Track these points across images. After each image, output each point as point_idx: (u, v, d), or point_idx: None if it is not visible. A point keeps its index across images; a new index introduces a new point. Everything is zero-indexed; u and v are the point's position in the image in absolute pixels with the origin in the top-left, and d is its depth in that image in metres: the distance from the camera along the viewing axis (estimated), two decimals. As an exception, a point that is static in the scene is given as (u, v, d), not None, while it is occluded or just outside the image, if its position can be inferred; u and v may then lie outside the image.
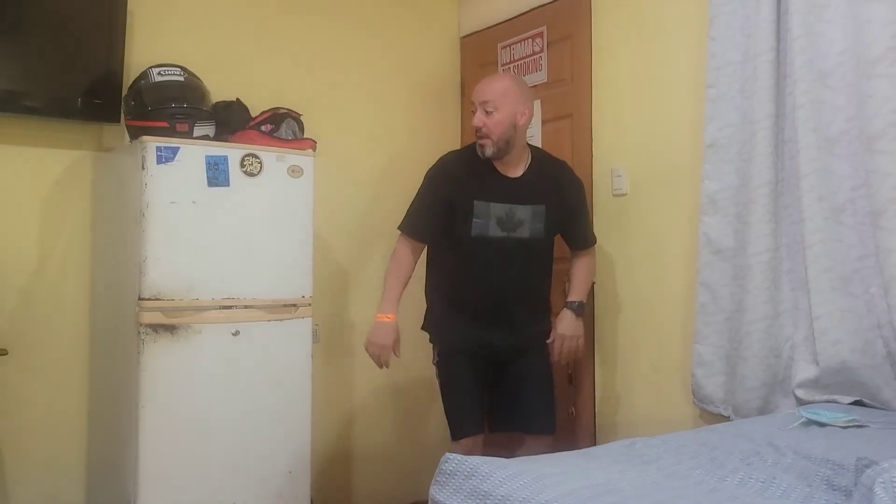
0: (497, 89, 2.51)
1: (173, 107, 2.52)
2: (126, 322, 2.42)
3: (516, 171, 2.59)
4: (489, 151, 2.51)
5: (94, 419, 2.70)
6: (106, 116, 2.69)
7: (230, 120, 2.68)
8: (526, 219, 2.56)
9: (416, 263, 2.64)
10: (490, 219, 2.53)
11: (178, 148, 2.42)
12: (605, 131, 2.97)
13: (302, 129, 2.79)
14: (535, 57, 3.27)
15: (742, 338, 2.36)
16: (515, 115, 2.50)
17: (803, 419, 1.93)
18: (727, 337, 2.43)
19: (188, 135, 2.51)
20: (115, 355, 2.54)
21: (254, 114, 2.75)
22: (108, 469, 2.60)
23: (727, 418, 2.42)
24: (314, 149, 2.74)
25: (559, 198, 2.62)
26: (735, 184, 2.41)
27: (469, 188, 2.54)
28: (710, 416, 2.51)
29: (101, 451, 2.66)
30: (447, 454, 1.62)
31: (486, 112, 2.49)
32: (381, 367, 2.57)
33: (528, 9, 3.31)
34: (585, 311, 2.71)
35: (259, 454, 2.54)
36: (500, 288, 2.57)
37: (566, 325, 2.65)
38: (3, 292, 2.46)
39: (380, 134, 3.40)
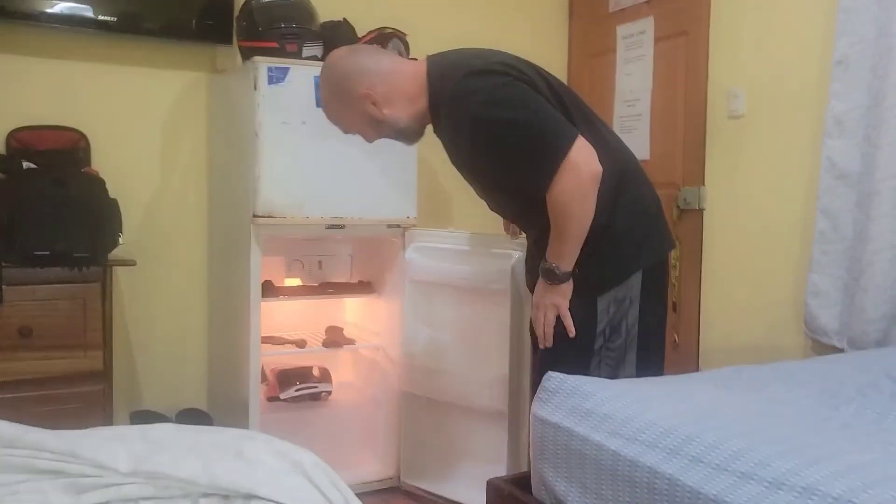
0: (334, 118, 1.93)
1: (283, 27, 2.56)
2: (241, 237, 2.53)
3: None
4: (407, 144, 2.03)
5: (213, 325, 2.89)
6: (219, 38, 2.77)
7: (337, 40, 2.69)
8: None
9: None
10: None
11: (289, 69, 2.46)
12: (722, 49, 2.81)
13: (408, 49, 2.78)
14: (649, -30, 3.11)
15: (864, 268, 2.24)
16: (367, 116, 1.87)
17: (927, 353, 1.84)
18: (846, 266, 2.32)
19: (297, 55, 2.54)
20: (231, 268, 2.68)
21: (360, 34, 2.75)
22: (225, 369, 2.78)
23: (841, 350, 2.33)
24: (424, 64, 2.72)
25: (471, 142, 1.81)
26: (866, 103, 2.25)
27: None
28: (822, 347, 2.42)
29: (219, 353, 2.85)
30: (549, 372, 1.64)
31: (346, 133, 1.97)
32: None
33: (643, -82, 3.13)
34: (563, 274, 1.78)
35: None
36: None
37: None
38: (131, 207, 2.63)
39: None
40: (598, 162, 1.70)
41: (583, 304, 1.82)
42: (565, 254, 1.77)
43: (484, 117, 1.73)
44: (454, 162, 1.93)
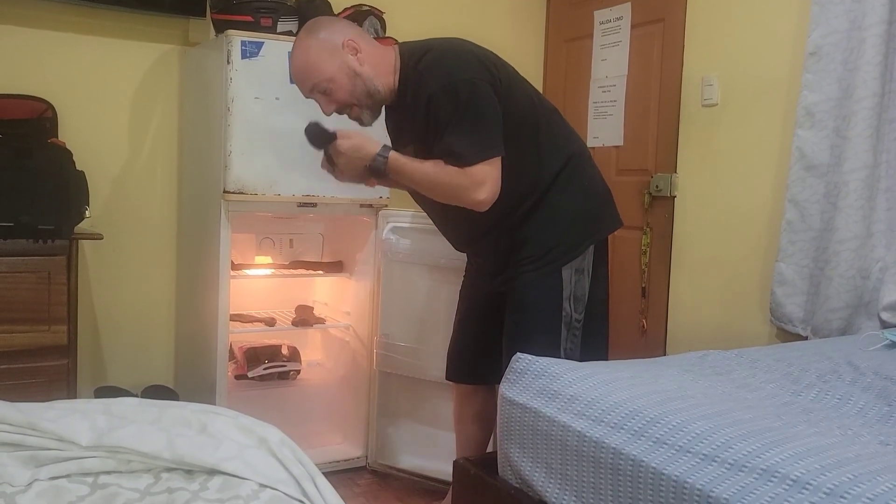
0: (308, 64, 1.87)
1: (258, 0, 2.52)
2: (211, 213, 2.50)
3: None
4: (369, 120, 1.98)
5: (181, 301, 2.85)
6: (192, 10, 2.72)
7: (313, 15, 2.64)
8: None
9: None
10: None
11: (263, 43, 2.42)
12: (698, 37, 2.83)
13: (384, 27, 2.76)
14: (628, -44, 3.10)
15: (829, 257, 2.28)
16: (345, 66, 1.87)
17: (887, 341, 1.87)
18: (812, 256, 2.35)
19: (272, 30, 2.50)
20: (200, 244, 2.65)
21: (336, 10, 2.72)
22: (192, 346, 2.76)
23: (805, 338, 2.37)
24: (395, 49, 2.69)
25: (425, 117, 1.88)
26: (836, 95, 2.27)
27: None
28: (786, 335, 2.46)
29: (186, 330, 2.82)
30: (518, 354, 1.65)
31: (324, 94, 1.90)
32: None
33: None
34: (383, 166, 1.91)
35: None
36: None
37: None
38: (98, 180, 2.58)
39: (465, 34, 3.33)
40: (495, 193, 1.85)
41: (549, 274, 1.97)
42: (408, 172, 1.90)
43: (447, 93, 1.83)
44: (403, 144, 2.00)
